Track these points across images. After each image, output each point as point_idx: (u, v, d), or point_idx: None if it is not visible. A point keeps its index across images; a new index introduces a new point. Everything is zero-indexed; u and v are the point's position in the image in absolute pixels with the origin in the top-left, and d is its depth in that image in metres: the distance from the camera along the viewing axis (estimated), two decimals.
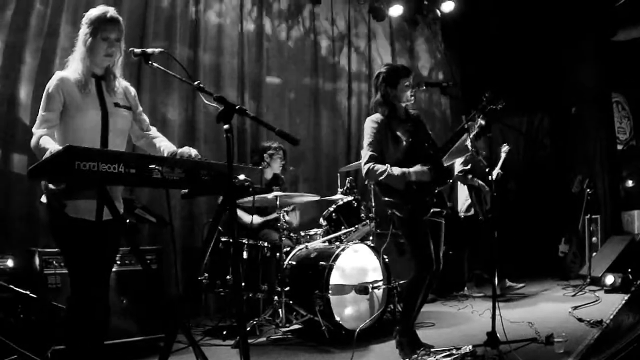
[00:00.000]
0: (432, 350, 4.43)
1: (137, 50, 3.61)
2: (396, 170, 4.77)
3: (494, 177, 8.28)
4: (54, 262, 4.84)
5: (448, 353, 4.19)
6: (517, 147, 9.38)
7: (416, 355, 4.27)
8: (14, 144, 5.84)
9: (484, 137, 8.00)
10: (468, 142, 4.94)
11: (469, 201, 8.12)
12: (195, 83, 3.45)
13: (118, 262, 5.07)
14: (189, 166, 3.32)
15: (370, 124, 4.97)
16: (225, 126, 3.15)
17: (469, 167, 7.92)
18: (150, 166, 3.10)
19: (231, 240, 6.18)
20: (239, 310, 3.54)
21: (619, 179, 11.14)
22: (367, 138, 4.95)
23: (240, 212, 6.51)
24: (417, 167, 4.79)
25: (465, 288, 8.37)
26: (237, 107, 3.19)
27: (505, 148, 8.65)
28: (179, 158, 3.56)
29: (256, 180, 3.56)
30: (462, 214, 8.33)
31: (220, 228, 6.21)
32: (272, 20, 8.51)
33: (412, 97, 5.02)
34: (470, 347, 4.31)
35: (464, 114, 7.04)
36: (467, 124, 4.91)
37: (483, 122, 4.93)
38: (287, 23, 8.72)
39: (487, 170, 8.20)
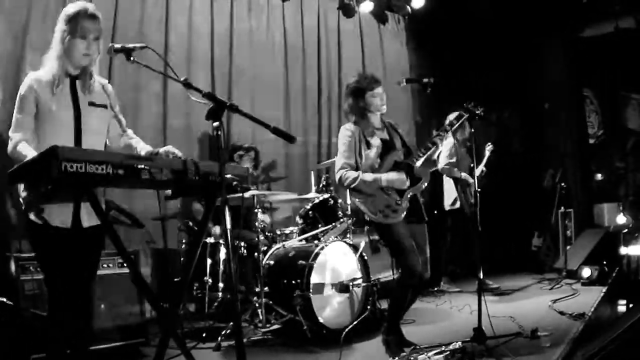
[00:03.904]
0: (421, 347, 4.41)
1: (118, 46, 3.47)
2: (368, 177, 4.87)
3: (477, 173, 8.32)
4: (31, 267, 4.66)
5: (438, 350, 4.16)
6: (488, 140, 9.38)
7: (404, 354, 4.23)
8: None
9: (462, 130, 8.08)
10: (435, 156, 5.02)
11: (455, 194, 8.12)
12: (183, 79, 3.35)
13: None
14: (177, 166, 3.22)
15: (344, 132, 5.09)
16: (215, 123, 3.06)
17: (454, 160, 7.91)
18: (138, 166, 3.00)
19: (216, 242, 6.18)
20: (235, 314, 3.44)
21: (590, 172, 11.28)
22: (340, 147, 5.06)
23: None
24: (391, 174, 4.86)
25: (442, 283, 8.37)
26: (228, 104, 3.11)
27: (489, 147, 8.62)
28: (167, 158, 3.45)
29: (244, 179, 3.49)
30: (447, 207, 8.32)
31: (195, 228, 6.15)
32: (241, 16, 8.36)
33: (384, 107, 5.12)
34: (460, 343, 4.29)
35: (433, 110, 7.05)
36: (435, 138, 4.96)
37: (464, 114, 5.02)
38: (256, 19, 8.58)
39: (471, 165, 8.23)
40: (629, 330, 3.81)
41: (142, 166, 3.01)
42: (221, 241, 6.12)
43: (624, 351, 3.75)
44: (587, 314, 5.80)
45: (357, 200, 4.98)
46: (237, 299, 3.10)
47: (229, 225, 3.18)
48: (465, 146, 8.25)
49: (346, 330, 5.47)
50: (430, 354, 4.11)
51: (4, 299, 4.55)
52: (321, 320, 5.51)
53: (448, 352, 4.09)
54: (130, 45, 3.47)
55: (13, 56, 5.86)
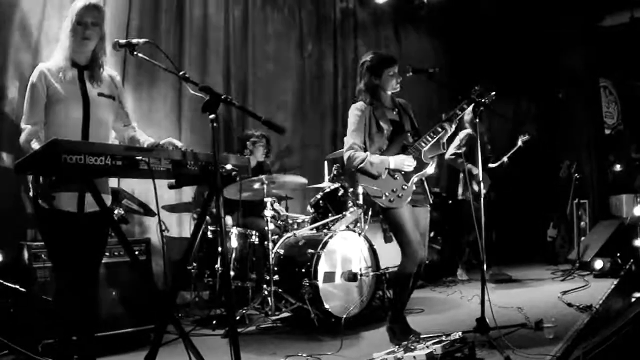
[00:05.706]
0: (422, 336, 4.45)
1: (122, 41, 3.58)
2: (375, 158, 4.86)
3: (495, 165, 8.29)
4: (43, 255, 4.78)
5: (438, 340, 4.19)
6: (502, 132, 9.37)
7: (407, 342, 4.27)
8: (0, 138, 5.77)
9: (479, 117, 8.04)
10: (444, 141, 5.00)
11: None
12: (181, 73, 3.43)
13: (107, 254, 5.00)
14: (175, 156, 3.31)
15: (354, 111, 5.05)
16: (211, 116, 3.14)
17: (462, 150, 7.82)
18: (136, 157, 3.09)
19: (227, 231, 6.21)
20: (228, 300, 3.52)
21: (606, 163, 11.20)
22: (350, 126, 5.03)
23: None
24: (399, 157, 4.86)
25: (458, 270, 8.40)
26: (222, 97, 3.18)
27: (524, 137, 8.40)
28: (165, 149, 3.54)
29: (244, 169, 3.56)
30: (459, 197, 8.27)
31: (208, 217, 6.22)
32: (256, 8, 8.44)
33: (398, 86, 5.07)
34: (460, 333, 4.32)
35: (450, 100, 7.05)
36: (444, 123, 4.94)
37: (485, 100, 4.99)
38: (271, 12, 8.64)
39: (489, 155, 8.22)
40: (629, 324, 3.83)
41: (141, 157, 3.10)
42: (233, 230, 6.19)
43: (624, 345, 3.77)
44: (594, 306, 5.79)
45: (362, 182, 4.96)
46: (231, 290, 3.17)
47: (222, 213, 3.25)
48: (483, 138, 8.19)
49: (344, 317, 5.56)
50: (429, 342, 4.14)
51: (18, 286, 4.69)
52: (329, 309, 5.57)
53: (447, 342, 4.11)
54: (134, 41, 3.58)
55: (29, 49, 6.00)
